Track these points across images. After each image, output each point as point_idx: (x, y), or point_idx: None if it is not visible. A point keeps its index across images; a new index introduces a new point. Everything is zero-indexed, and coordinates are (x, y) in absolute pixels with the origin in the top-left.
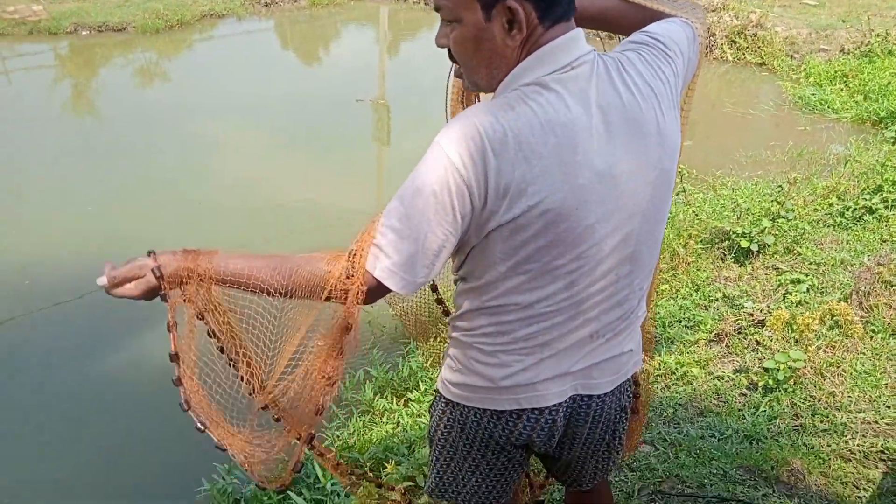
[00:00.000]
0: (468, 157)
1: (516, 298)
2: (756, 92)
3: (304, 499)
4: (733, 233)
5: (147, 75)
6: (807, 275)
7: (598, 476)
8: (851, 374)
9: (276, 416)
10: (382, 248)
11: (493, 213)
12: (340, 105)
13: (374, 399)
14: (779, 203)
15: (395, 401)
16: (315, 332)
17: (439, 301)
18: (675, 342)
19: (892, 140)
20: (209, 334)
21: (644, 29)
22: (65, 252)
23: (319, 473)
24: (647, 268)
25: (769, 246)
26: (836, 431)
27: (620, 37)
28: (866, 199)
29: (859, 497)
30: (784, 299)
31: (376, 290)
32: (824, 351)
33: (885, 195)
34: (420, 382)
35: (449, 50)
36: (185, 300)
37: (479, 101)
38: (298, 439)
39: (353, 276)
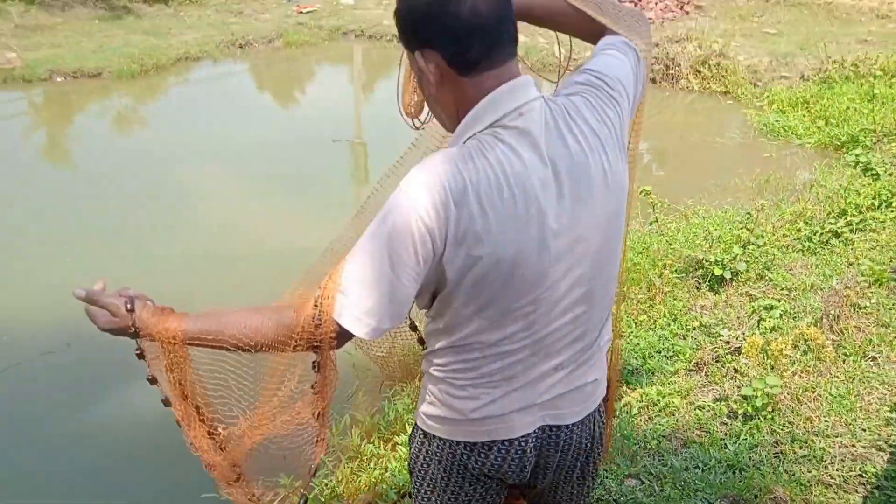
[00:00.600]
0: (431, 206)
1: (480, 338)
2: (722, 120)
3: None
4: (706, 261)
5: (123, 121)
6: (779, 300)
7: None
8: (827, 398)
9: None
10: (348, 295)
11: (451, 259)
12: (317, 146)
13: (361, 444)
14: (748, 230)
15: (382, 445)
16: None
17: (421, 340)
18: (655, 373)
19: (854, 164)
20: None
21: (589, 67)
22: (42, 305)
23: None
24: (603, 304)
25: (741, 273)
26: (815, 457)
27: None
28: (832, 223)
29: None
30: (759, 325)
31: (343, 336)
32: (799, 376)
33: (849, 219)
34: (406, 425)
35: None
36: (155, 356)
37: None
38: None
39: (320, 324)
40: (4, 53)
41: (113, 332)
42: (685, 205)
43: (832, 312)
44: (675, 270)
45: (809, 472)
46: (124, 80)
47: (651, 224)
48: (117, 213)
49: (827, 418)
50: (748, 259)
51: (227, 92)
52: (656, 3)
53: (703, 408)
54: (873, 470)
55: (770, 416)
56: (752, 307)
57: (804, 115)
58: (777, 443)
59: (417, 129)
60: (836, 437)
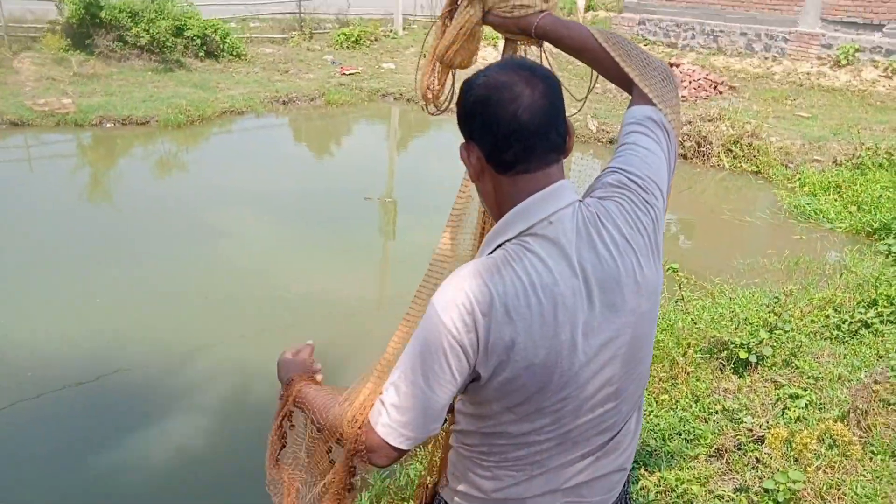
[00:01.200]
0: (460, 321)
1: (508, 429)
2: (752, 199)
3: None
4: (732, 343)
5: (164, 166)
6: (805, 389)
7: None
8: (852, 497)
9: None
10: (386, 402)
11: (483, 365)
12: (349, 199)
13: None
14: (776, 314)
15: None
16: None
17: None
18: (674, 456)
19: (886, 252)
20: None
21: (622, 165)
22: (68, 344)
23: None
24: (633, 399)
25: (767, 357)
26: None
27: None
28: (861, 313)
29: None
30: (783, 414)
31: (381, 447)
32: (824, 471)
33: (879, 309)
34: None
35: None
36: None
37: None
38: None
39: (359, 424)
40: (61, 99)
41: (279, 378)
42: (712, 282)
43: (860, 407)
44: (700, 350)
45: None
46: (170, 129)
47: (676, 301)
48: (150, 252)
49: None
50: (774, 344)
51: (267, 143)
52: (690, 83)
53: (723, 498)
54: None
55: None
56: (777, 395)
57: (835, 200)
58: None
59: (433, 114)
60: None
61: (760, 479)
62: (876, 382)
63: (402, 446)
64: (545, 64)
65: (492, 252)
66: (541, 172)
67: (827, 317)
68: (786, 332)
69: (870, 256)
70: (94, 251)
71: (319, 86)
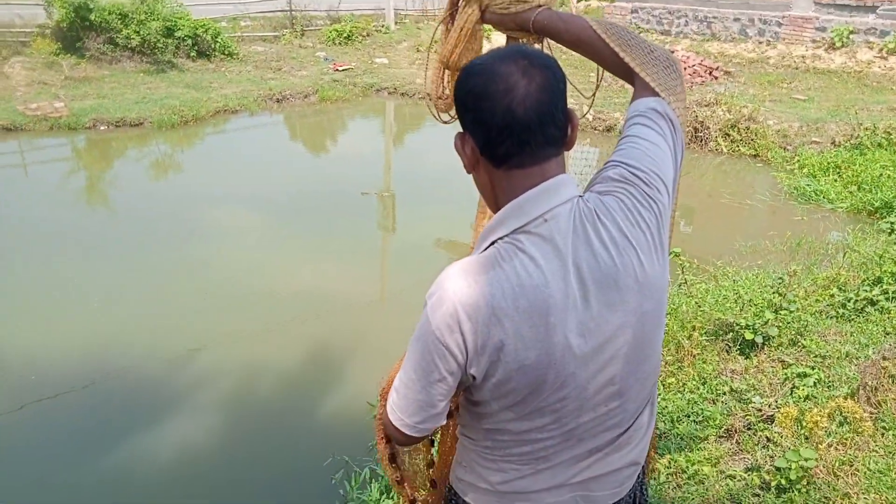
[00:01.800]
0: (443, 323)
1: (508, 426)
2: (751, 182)
3: None
4: (737, 324)
5: (160, 167)
6: (813, 368)
7: None
8: (865, 473)
9: None
10: (394, 404)
11: (475, 366)
12: (345, 195)
13: (380, 499)
14: (780, 294)
15: (401, 501)
16: None
17: (456, 407)
18: (684, 438)
19: (889, 230)
20: None
21: (623, 159)
22: (68, 347)
23: None
24: (639, 397)
25: (773, 338)
26: None
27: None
28: (867, 291)
29: None
30: (791, 393)
31: (395, 433)
32: (835, 448)
33: (885, 287)
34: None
35: None
36: None
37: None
38: None
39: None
40: (53, 103)
41: None
42: (714, 265)
43: (870, 383)
44: (705, 333)
45: None
46: (164, 130)
47: (680, 285)
48: (147, 254)
49: (866, 495)
50: (780, 324)
51: (262, 142)
52: (685, 69)
53: (734, 477)
54: None
55: (805, 490)
56: (785, 374)
57: (835, 180)
58: None
59: (445, 123)
60: None
61: (772, 457)
62: (885, 359)
63: (416, 435)
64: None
65: (485, 249)
66: (536, 168)
67: (832, 296)
68: (791, 311)
69: (872, 235)
70: (92, 254)
71: (313, 82)
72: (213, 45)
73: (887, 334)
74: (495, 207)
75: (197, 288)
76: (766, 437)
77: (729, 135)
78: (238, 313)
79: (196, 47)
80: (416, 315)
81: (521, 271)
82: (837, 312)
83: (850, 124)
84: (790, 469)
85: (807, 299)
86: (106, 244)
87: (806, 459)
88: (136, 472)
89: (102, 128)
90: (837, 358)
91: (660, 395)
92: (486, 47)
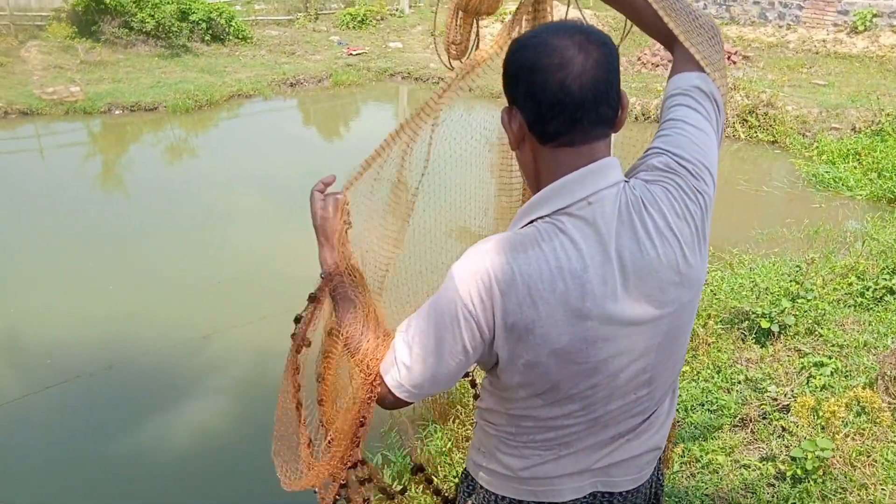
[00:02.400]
0: (476, 295)
1: (535, 412)
2: (769, 169)
3: None
4: (753, 313)
5: (175, 151)
6: (830, 357)
7: None
8: (883, 464)
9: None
10: (398, 359)
11: (503, 347)
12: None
13: (391, 484)
14: (797, 283)
15: (413, 487)
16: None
17: (475, 396)
18: (698, 427)
19: None
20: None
21: (669, 147)
22: (83, 332)
23: None
24: (667, 384)
25: (790, 327)
26: None
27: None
28: (886, 280)
29: None
30: (808, 383)
31: (386, 396)
32: (853, 439)
33: None
34: (439, 468)
35: None
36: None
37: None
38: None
39: (371, 365)
40: (69, 87)
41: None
42: (730, 253)
43: (888, 373)
44: (720, 321)
45: None
46: (178, 115)
47: None
48: (162, 238)
49: (884, 486)
50: (797, 313)
51: (276, 126)
52: None
53: (749, 467)
54: None
55: (821, 481)
56: (802, 363)
57: (855, 167)
58: None
59: (452, 71)
60: None
61: (787, 447)
62: None
63: (409, 400)
64: (577, 17)
65: (523, 227)
66: (585, 147)
67: (850, 284)
68: (808, 300)
69: (892, 223)
70: (107, 238)
71: (326, 67)
72: (227, 29)
73: None
74: (536, 187)
75: (210, 272)
76: (782, 427)
77: (747, 120)
78: (250, 297)
79: (210, 31)
80: (426, 300)
81: (560, 254)
82: (855, 301)
83: (871, 110)
84: (806, 459)
85: (824, 288)
86: (120, 229)
87: (822, 449)
88: (151, 455)
89: (117, 112)
90: (855, 347)
91: None
92: None
